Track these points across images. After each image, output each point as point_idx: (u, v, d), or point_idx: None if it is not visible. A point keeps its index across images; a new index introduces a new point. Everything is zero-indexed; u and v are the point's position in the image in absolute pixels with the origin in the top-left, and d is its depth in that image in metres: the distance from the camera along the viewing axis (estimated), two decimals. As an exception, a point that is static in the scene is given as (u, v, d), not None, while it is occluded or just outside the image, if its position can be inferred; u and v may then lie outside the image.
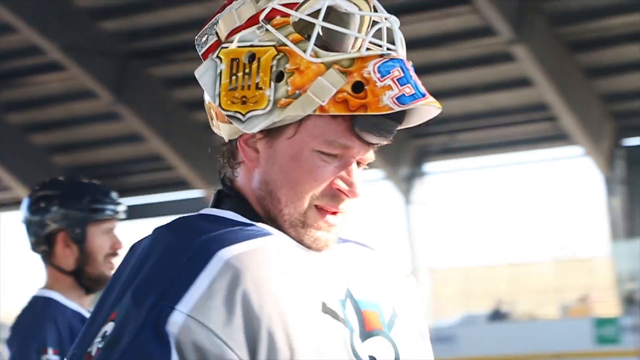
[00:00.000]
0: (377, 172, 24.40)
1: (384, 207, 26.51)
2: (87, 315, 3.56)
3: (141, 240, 1.65)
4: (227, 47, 1.60)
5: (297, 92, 1.56)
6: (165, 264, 1.55)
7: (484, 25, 20.00)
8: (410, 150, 25.09)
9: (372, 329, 1.70)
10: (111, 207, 3.74)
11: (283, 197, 1.62)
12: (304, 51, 1.56)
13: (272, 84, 1.57)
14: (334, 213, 1.63)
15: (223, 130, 1.66)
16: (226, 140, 1.67)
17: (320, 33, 1.58)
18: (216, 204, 1.69)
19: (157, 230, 1.63)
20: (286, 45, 1.57)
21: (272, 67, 1.58)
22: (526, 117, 21.88)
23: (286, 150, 1.62)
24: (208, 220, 1.64)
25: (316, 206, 1.61)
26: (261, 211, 1.65)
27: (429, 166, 25.78)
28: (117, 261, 3.68)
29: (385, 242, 26.52)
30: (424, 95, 1.56)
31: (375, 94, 1.54)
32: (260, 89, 1.58)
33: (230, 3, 1.64)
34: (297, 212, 1.62)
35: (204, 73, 1.63)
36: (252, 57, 1.59)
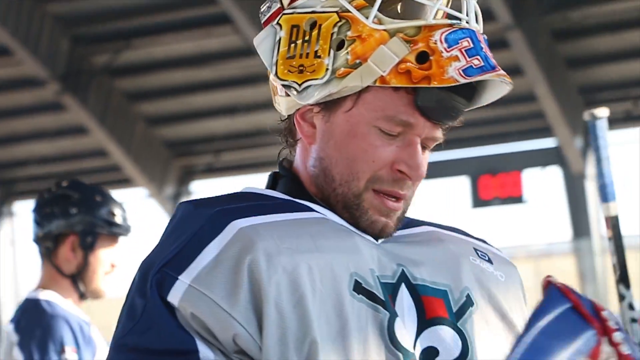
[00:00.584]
0: (141, 191, 24.62)
1: (148, 226, 26.76)
2: (85, 320, 3.85)
3: None
4: (288, 14, 1.54)
5: (357, 61, 1.50)
6: (176, 232, 1.52)
7: (246, 46, 20.19)
8: (175, 169, 25.33)
9: (434, 316, 1.58)
10: (125, 224, 3.80)
11: (337, 176, 1.55)
12: (367, 17, 1.49)
13: (332, 52, 1.51)
14: (397, 198, 1.55)
15: (281, 104, 1.60)
16: (284, 115, 1.61)
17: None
18: (268, 187, 1.62)
19: (182, 204, 1.60)
20: (349, 11, 1.50)
21: (332, 34, 1.51)
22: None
23: (343, 124, 1.55)
24: (238, 197, 1.59)
25: (374, 190, 1.53)
26: (315, 191, 1.58)
27: (195, 185, 26.46)
28: (112, 279, 3.85)
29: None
30: (493, 68, 1.48)
31: (440, 65, 1.47)
32: (319, 57, 1.52)
33: None
34: (351, 193, 1.54)
35: (262, 40, 1.57)
36: (313, 24, 1.52)
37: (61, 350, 3.67)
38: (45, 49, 22.27)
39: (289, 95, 1.55)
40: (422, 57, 1.47)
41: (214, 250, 1.47)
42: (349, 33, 1.50)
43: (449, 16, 1.52)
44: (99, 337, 4.04)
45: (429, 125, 1.53)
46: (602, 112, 2.95)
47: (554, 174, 22.52)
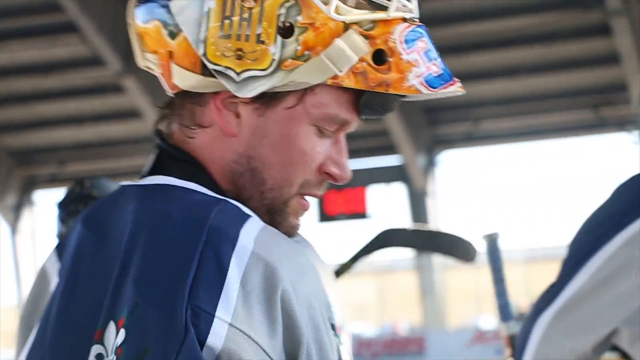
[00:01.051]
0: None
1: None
2: None
3: (95, 216, 1.40)
4: None
5: (307, 53, 1.33)
6: (176, 250, 1.30)
7: (94, 55, 20.45)
8: (18, 178, 24.84)
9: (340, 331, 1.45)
10: None
11: (270, 180, 1.39)
12: (326, 4, 1.32)
13: (279, 39, 1.33)
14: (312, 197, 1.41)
15: (182, 78, 1.37)
16: (183, 89, 1.38)
17: None
18: (159, 168, 1.41)
19: (132, 206, 1.36)
20: None
21: (279, 16, 1.33)
22: (135, 149, 22.67)
23: (282, 122, 1.38)
24: (181, 192, 1.38)
25: (300, 194, 1.40)
26: (230, 188, 1.39)
27: (37, 195, 26.13)
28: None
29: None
30: (452, 77, 1.37)
31: (400, 70, 1.34)
32: (262, 42, 1.33)
33: None
34: (282, 199, 1.39)
35: (184, 8, 1.35)
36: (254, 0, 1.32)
37: None
38: None
39: (205, 75, 1.36)
40: (380, 57, 1.34)
41: (237, 277, 1.29)
42: (300, 18, 1.32)
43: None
44: None
45: (357, 123, 1.41)
46: (498, 234, 2.95)
47: (397, 190, 23.18)
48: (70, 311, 1.33)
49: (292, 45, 1.32)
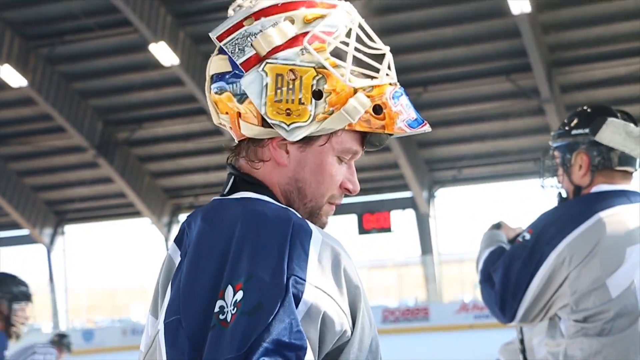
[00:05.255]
0: None
1: None
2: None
3: (209, 215, 1.36)
4: (272, 64, 1.33)
5: (331, 109, 1.33)
6: (276, 236, 1.27)
7: (215, 128, 19.41)
8: (169, 207, 24.53)
9: None
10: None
11: (310, 194, 1.38)
12: (342, 75, 1.34)
13: (313, 101, 1.32)
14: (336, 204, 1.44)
15: (248, 129, 1.37)
16: (249, 136, 1.38)
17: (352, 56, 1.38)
18: (236, 187, 1.40)
19: (238, 208, 1.34)
20: (325, 68, 1.33)
21: (312, 85, 1.32)
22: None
23: (317, 155, 1.37)
24: (264, 202, 1.35)
25: (329, 202, 1.40)
26: (283, 201, 1.39)
27: (181, 216, 25.51)
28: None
29: None
30: (423, 121, 1.38)
31: (391, 117, 1.35)
32: (303, 104, 1.32)
33: (258, 18, 1.36)
34: (317, 206, 1.40)
35: (250, 83, 1.33)
36: (294, 75, 1.32)
37: None
38: None
39: (266, 126, 1.33)
40: (378, 110, 1.34)
41: (315, 255, 1.26)
42: (326, 86, 1.32)
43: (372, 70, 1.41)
44: None
45: (362, 153, 1.42)
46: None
47: (410, 214, 23.19)
48: (195, 278, 1.29)
49: (322, 104, 1.33)
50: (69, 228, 26.17)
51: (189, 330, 1.24)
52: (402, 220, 22.93)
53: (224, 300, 1.22)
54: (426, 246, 23.19)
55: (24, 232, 25.32)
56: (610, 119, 2.36)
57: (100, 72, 19.99)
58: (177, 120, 21.18)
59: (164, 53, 17.98)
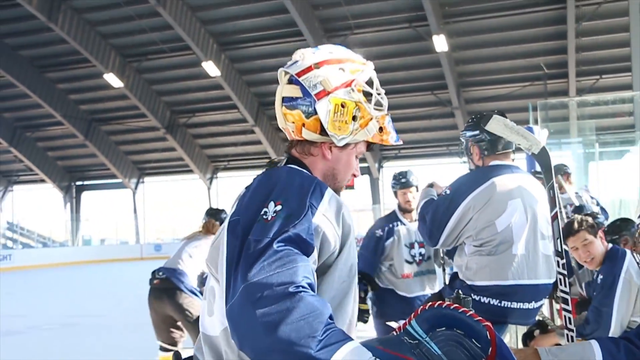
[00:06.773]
0: None
1: None
2: None
3: (266, 172, 1.70)
4: (334, 97, 1.70)
5: (359, 128, 1.72)
6: (305, 184, 1.61)
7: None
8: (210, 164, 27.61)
9: None
10: None
11: (339, 177, 1.78)
12: (368, 108, 1.72)
13: (352, 122, 1.70)
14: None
15: (309, 134, 1.74)
16: (307, 139, 1.74)
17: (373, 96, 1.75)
18: (287, 164, 1.78)
19: (285, 169, 1.69)
20: (361, 103, 1.72)
21: (353, 112, 1.70)
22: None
23: (347, 155, 1.77)
24: (302, 170, 1.72)
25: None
26: (321, 179, 1.74)
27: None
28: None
29: None
30: (399, 138, 1.80)
31: (387, 134, 1.75)
32: (347, 124, 1.70)
33: (322, 66, 1.73)
34: (341, 185, 1.80)
35: (321, 108, 1.68)
36: (344, 105, 1.69)
37: None
38: None
39: (322, 135, 1.69)
40: (381, 129, 1.73)
41: (327, 198, 1.59)
42: (359, 114, 1.70)
43: (377, 102, 1.75)
44: None
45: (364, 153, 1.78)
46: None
47: (366, 178, 24.34)
48: (252, 197, 1.62)
49: (356, 125, 1.71)
50: (147, 179, 30.28)
51: (244, 224, 1.59)
52: (361, 182, 25.14)
53: (268, 209, 1.57)
54: (376, 199, 25.81)
55: (118, 180, 30.31)
56: (496, 116, 2.91)
57: (169, 79, 23.92)
58: (217, 112, 24.53)
59: (210, 68, 21.59)
